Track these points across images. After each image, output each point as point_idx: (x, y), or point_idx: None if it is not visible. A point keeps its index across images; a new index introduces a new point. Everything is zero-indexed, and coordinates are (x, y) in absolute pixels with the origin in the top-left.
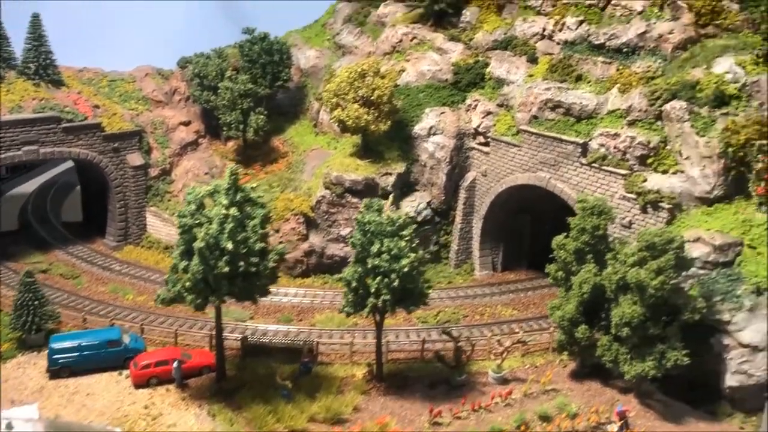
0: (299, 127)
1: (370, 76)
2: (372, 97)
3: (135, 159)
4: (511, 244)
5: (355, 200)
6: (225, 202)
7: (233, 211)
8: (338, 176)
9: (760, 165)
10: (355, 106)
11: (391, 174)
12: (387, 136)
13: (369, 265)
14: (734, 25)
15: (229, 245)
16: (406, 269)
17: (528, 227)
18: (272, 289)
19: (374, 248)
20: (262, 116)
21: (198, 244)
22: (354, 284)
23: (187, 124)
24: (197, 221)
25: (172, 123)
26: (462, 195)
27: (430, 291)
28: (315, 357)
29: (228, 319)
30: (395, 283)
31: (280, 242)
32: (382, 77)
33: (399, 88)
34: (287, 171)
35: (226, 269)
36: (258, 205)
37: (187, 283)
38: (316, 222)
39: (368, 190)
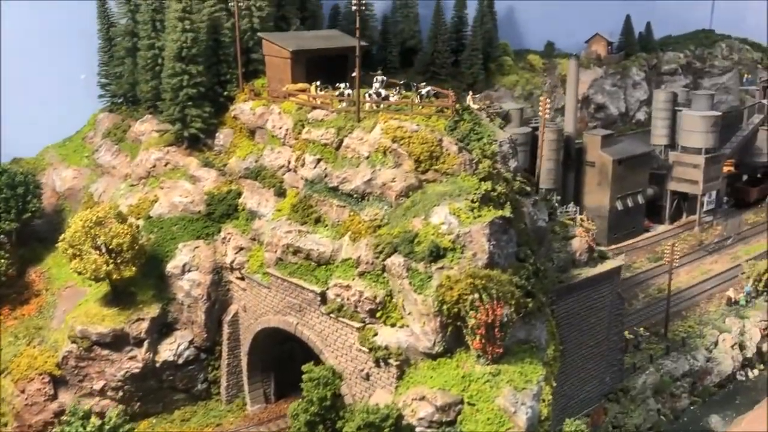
0: (58, 255)
1: (109, 222)
2: (111, 246)
3: None
4: (283, 373)
5: (106, 352)
6: None
7: None
8: (83, 329)
9: (472, 321)
10: (94, 256)
11: (143, 319)
12: (140, 274)
13: None
14: (452, 168)
15: None
16: None
17: (299, 353)
18: None
19: None
20: (2, 260)
21: None
22: None
23: None
24: None
25: None
26: (226, 330)
27: None
28: None
29: None
30: None
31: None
32: (123, 221)
33: (152, 221)
34: (37, 316)
35: None
36: None
37: None
38: (66, 379)
39: (118, 341)
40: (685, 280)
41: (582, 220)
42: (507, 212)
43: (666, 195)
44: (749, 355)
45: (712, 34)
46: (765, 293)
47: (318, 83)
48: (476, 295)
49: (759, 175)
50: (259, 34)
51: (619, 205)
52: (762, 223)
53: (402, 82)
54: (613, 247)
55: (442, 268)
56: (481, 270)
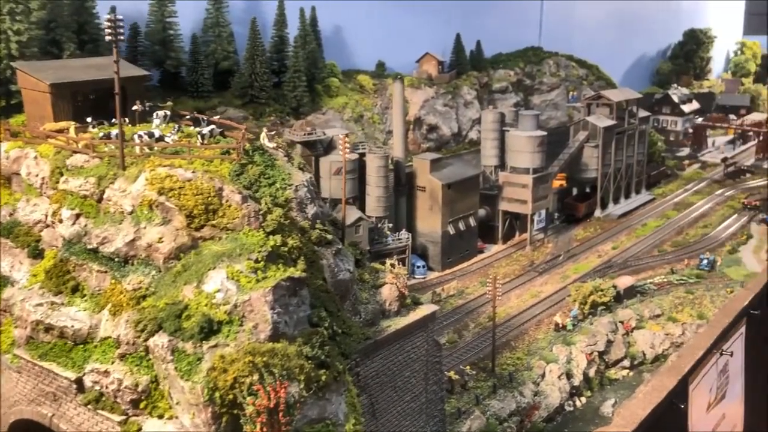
0: None
1: None
2: None
3: None
4: None
5: None
6: None
7: None
8: None
9: (251, 408)
10: None
11: None
12: None
13: None
14: (234, 222)
15: None
16: None
17: None
18: None
19: None
20: None
21: None
22: None
23: None
24: None
25: None
26: None
27: None
28: None
29: None
30: None
31: None
32: None
33: None
34: None
35: None
36: None
37: None
38: None
39: None
40: (516, 305)
41: (392, 265)
42: (297, 271)
43: (498, 215)
44: (576, 383)
45: (540, 51)
46: (590, 316)
47: (90, 120)
48: (255, 377)
49: (587, 190)
50: (13, 63)
51: (451, 229)
52: (591, 238)
53: (188, 116)
54: (448, 272)
55: (215, 346)
56: (263, 345)
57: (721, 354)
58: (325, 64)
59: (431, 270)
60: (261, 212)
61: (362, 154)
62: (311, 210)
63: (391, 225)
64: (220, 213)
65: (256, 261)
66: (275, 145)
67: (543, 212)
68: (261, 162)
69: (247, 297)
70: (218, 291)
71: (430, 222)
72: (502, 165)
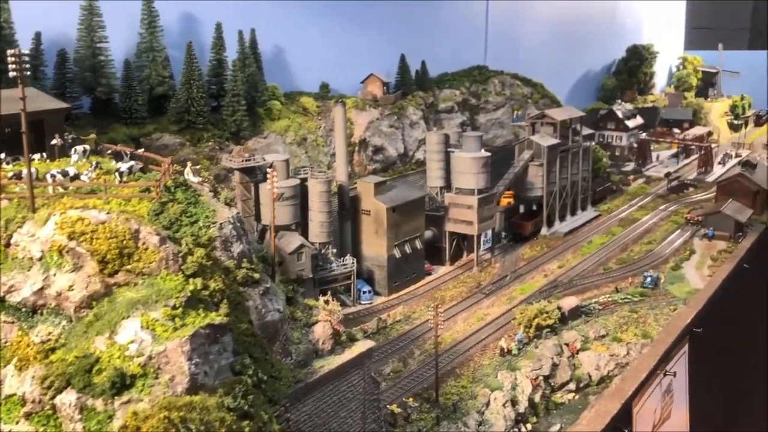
0: None
1: None
2: None
3: None
4: None
5: None
6: None
7: None
8: None
9: None
10: None
11: None
12: None
13: None
14: (150, 267)
15: None
16: None
17: None
18: None
19: None
20: None
21: None
22: None
23: None
24: None
25: None
26: None
27: None
28: None
29: None
30: None
31: None
32: None
33: None
34: None
35: None
36: None
37: None
38: None
39: None
40: (462, 329)
41: (326, 301)
42: (219, 317)
43: (445, 236)
44: (521, 409)
45: (486, 70)
46: (536, 339)
47: (4, 156)
48: (194, 428)
49: (534, 208)
50: None
51: (397, 253)
52: (537, 257)
53: (110, 150)
54: (395, 296)
55: (128, 402)
56: (180, 398)
57: (665, 375)
58: (266, 87)
59: (378, 295)
60: (181, 254)
61: (304, 179)
62: (237, 248)
63: (335, 250)
64: (135, 257)
65: (174, 307)
66: (200, 179)
67: (489, 232)
68: (183, 199)
69: (163, 347)
70: (132, 342)
71: (375, 246)
72: (448, 186)
